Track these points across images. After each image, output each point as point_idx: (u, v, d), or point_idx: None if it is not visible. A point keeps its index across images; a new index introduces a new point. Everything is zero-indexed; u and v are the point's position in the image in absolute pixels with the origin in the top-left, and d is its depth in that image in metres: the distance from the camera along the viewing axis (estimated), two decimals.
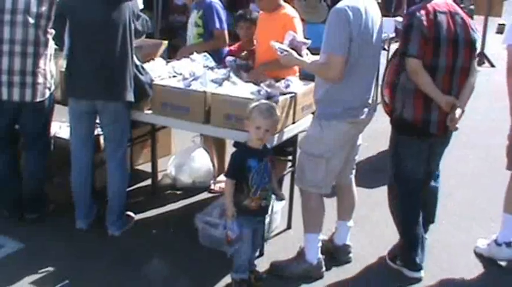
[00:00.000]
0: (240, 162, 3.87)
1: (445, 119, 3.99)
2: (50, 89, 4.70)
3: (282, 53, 4.07)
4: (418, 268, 4.32)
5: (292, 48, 4.08)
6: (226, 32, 5.63)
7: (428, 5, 3.99)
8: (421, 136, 4.14)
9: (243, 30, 5.47)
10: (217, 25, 5.54)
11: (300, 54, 4.11)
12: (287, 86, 4.42)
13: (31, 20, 4.49)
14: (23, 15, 4.47)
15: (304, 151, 4.14)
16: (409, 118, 4.08)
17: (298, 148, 4.30)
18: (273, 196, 4.17)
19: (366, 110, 4.05)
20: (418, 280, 4.31)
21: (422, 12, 3.94)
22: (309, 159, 4.09)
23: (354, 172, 4.49)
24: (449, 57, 3.98)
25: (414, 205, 4.33)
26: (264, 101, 3.99)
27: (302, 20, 5.11)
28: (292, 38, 4.11)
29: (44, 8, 4.52)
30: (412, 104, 4.05)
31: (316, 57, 4.08)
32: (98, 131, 4.92)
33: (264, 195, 3.91)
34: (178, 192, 5.70)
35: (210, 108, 4.32)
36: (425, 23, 3.89)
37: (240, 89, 4.39)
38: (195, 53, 5.11)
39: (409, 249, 4.34)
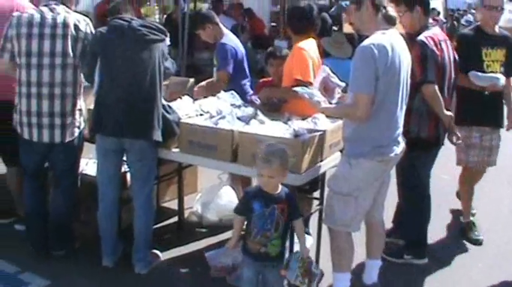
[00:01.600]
0: (246, 201, 3.82)
1: (445, 130, 4.84)
2: (79, 127, 4.74)
3: (310, 97, 4.11)
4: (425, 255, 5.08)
5: (325, 87, 4.08)
6: (227, 74, 5.66)
7: (432, 35, 4.69)
8: (434, 149, 4.88)
9: (273, 68, 5.50)
10: (220, 66, 5.65)
11: (331, 95, 4.12)
12: (315, 124, 4.41)
13: (58, 62, 4.55)
14: (49, 58, 4.54)
15: (333, 189, 4.11)
16: (425, 137, 4.73)
17: (327, 186, 4.27)
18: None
19: (395, 147, 4.03)
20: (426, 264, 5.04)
21: (432, 42, 4.61)
22: (338, 197, 4.06)
23: (383, 209, 4.44)
24: (449, 79, 4.80)
25: (428, 205, 5.02)
26: (271, 144, 3.81)
27: (328, 54, 5.13)
28: (326, 76, 4.10)
29: (70, 48, 4.58)
30: (427, 124, 4.72)
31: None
32: (125, 167, 4.93)
33: (263, 241, 3.77)
34: (205, 230, 5.65)
35: (237, 146, 4.31)
36: (437, 52, 4.61)
37: (268, 127, 4.38)
38: (222, 92, 5.14)
39: (421, 243, 5.09)
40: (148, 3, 21.54)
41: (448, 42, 4.87)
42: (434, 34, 4.74)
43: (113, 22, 4.46)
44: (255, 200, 3.76)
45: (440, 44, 4.70)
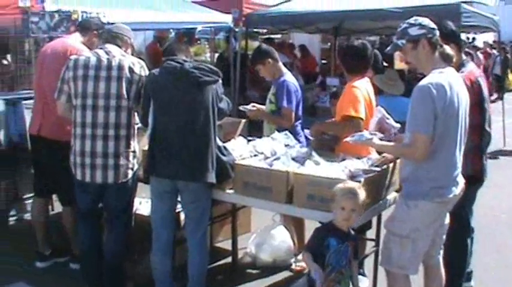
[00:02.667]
0: (321, 238, 3.82)
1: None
2: (132, 169, 4.78)
3: (360, 139, 4.08)
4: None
5: (380, 128, 4.04)
6: (293, 112, 5.59)
7: (468, 74, 4.60)
8: (478, 184, 4.84)
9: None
10: (285, 103, 5.55)
11: (387, 136, 4.08)
12: (370, 165, 4.36)
13: (112, 104, 4.61)
14: (104, 100, 4.60)
15: (390, 230, 4.03)
16: (473, 173, 4.60)
17: (384, 228, 4.20)
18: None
19: (454, 188, 3.94)
20: None
21: (469, 83, 4.44)
22: (395, 239, 3.98)
23: (441, 252, 4.33)
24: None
25: (471, 238, 4.99)
26: (348, 181, 3.93)
27: (380, 92, 5.09)
28: (382, 117, 4.06)
29: (124, 91, 4.63)
30: (474, 161, 4.67)
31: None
32: (179, 207, 4.93)
33: (339, 278, 3.79)
34: (258, 271, 5.61)
35: (292, 188, 4.27)
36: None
37: (323, 168, 4.34)
38: (276, 132, 5.13)
39: (465, 274, 4.99)
40: (198, 42, 21.82)
41: (483, 78, 4.86)
42: (470, 72, 4.67)
43: (166, 64, 4.50)
44: (330, 237, 3.79)
45: (477, 81, 4.66)
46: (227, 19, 10.80)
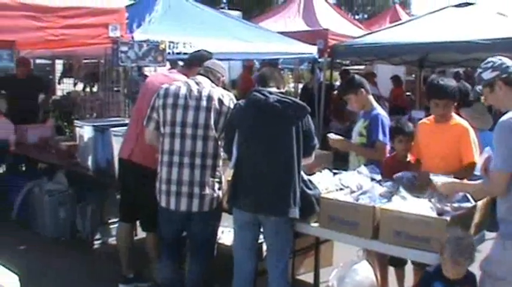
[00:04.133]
0: (427, 281, 3.81)
1: None
2: (217, 199, 4.79)
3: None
4: None
5: (485, 168, 3.92)
6: (387, 146, 5.50)
7: None
8: None
9: (401, 144, 5.35)
10: (380, 137, 5.43)
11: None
12: (459, 201, 4.23)
13: (200, 133, 4.66)
14: (192, 129, 4.65)
15: (486, 271, 3.87)
16: None
17: (479, 268, 4.04)
18: None
19: None
20: None
21: None
22: (491, 281, 3.81)
23: None
24: None
25: None
26: (459, 232, 3.81)
27: (473, 127, 4.95)
28: (489, 156, 3.94)
29: (212, 121, 4.67)
30: None
31: None
32: (261, 238, 4.90)
33: None
34: None
35: (378, 223, 4.19)
36: None
37: (410, 204, 4.23)
38: (362, 166, 5.04)
39: None
40: (282, 71, 21.96)
41: None
42: None
43: (251, 95, 4.51)
44: (436, 281, 3.75)
45: None
46: (312, 50, 10.82)
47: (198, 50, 5.63)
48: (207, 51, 5.44)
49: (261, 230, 4.68)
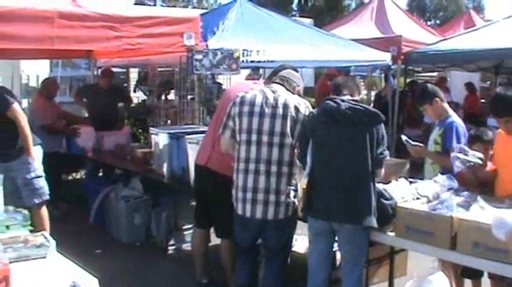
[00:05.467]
0: None
1: None
2: (292, 206, 4.79)
3: None
4: None
5: None
6: None
7: None
8: None
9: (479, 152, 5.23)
10: (454, 145, 5.33)
11: None
12: None
13: (276, 141, 4.67)
14: (268, 136, 4.67)
15: None
16: None
17: None
18: None
19: None
20: None
21: None
22: None
23: None
24: None
25: None
26: None
27: None
28: None
29: (288, 129, 4.68)
30: None
31: None
32: (336, 247, 4.88)
33: None
34: None
35: (456, 234, 4.10)
36: None
37: (489, 214, 4.13)
38: (439, 175, 4.96)
39: None
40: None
41: None
42: None
43: (324, 103, 4.50)
44: None
45: None
46: (385, 57, 10.72)
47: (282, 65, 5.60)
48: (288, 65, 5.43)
49: (336, 238, 4.67)
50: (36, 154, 6.34)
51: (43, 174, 6.40)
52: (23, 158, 6.21)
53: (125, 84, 13.93)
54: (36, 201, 6.22)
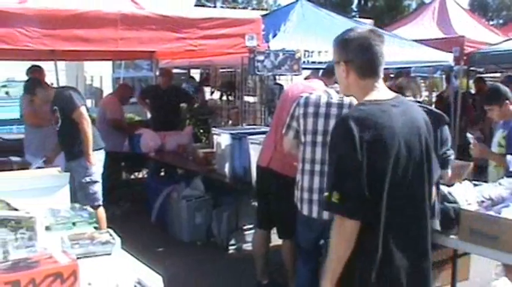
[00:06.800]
0: None
1: None
2: None
3: None
4: None
5: None
6: None
7: None
8: None
9: None
10: None
11: None
12: None
13: None
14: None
15: None
16: None
17: None
18: None
19: None
20: None
21: None
22: None
23: None
24: None
25: None
26: None
27: None
28: None
29: None
30: None
31: None
32: None
33: None
34: None
35: None
36: None
37: None
38: (504, 177, 4.88)
39: None
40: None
41: None
42: None
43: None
44: None
45: None
46: (448, 58, 10.57)
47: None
48: None
49: None
50: (97, 158, 6.52)
51: (99, 179, 6.57)
52: (82, 161, 6.38)
53: (186, 84, 14.07)
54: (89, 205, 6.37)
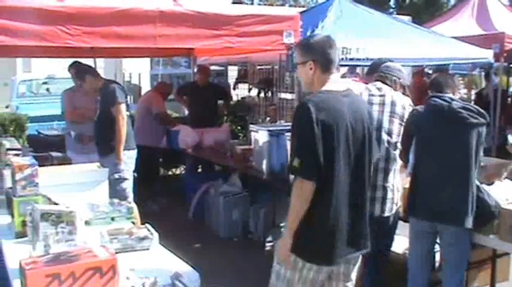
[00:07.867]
0: None
1: None
2: (396, 204, 4.76)
3: None
4: None
5: None
6: None
7: None
8: None
9: None
10: None
11: None
12: None
13: (384, 137, 4.63)
14: (376, 132, 4.64)
15: None
16: None
17: None
18: None
19: None
20: None
21: None
22: None
23: None
24: None
25: None
26: None
27: None
28: None
29: (395, 125, 4.65)
30: None
31: None
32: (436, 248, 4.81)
33: None
34: None
35: None
36: None
37: None
38: None
39: None
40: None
41: None
42: None
43: (431, 101, 4.44)
44: None
45: None
46: (487, 54, 10.41)
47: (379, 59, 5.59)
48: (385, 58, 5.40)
49: (437, 240, 4.61)
50: (127, 156, 6.59)
51: (129, 177, 6.63)
52: (112, 157, 6.44)
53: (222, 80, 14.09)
54: None
